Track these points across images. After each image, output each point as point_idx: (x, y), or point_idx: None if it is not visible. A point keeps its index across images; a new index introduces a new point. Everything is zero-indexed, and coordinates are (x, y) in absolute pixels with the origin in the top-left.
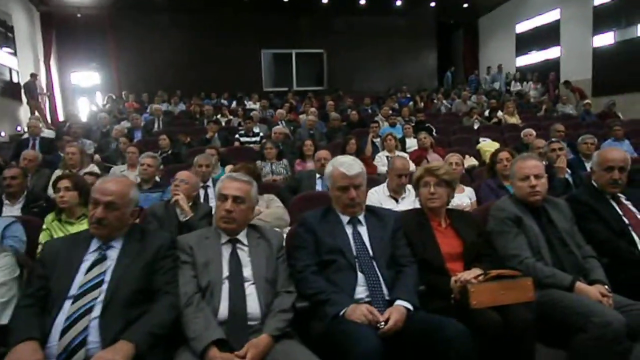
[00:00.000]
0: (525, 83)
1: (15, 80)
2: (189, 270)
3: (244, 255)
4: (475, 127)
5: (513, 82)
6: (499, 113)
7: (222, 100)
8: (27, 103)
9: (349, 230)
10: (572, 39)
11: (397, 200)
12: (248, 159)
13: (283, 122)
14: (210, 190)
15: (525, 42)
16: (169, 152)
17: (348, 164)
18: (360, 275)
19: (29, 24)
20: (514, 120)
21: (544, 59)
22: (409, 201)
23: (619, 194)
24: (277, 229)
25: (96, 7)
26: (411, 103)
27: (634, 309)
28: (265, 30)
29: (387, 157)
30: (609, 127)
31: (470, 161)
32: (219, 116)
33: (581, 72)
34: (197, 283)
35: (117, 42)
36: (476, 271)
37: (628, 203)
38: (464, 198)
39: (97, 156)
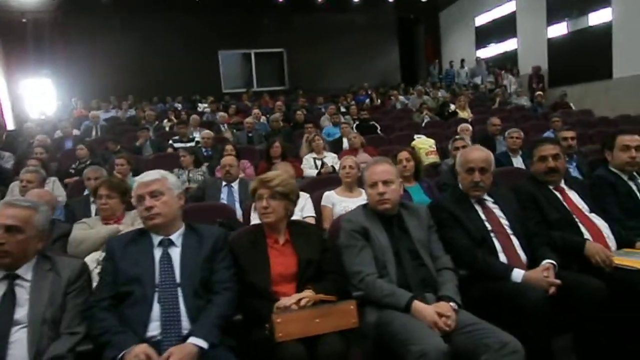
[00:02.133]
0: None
1: None
2: None
3: (22, 293)
4: (424, 123)
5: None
6: (451, 107)
7: (176, 104)
8: None
9: (157, 253)
10: (528, 30)
11: None
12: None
13: (225, 125)
14: None
15: (485, 35)
16: (87, 162)
17: (147, 174)
18: (156, 307)
19: None
20: (465, 114)
21: (502, 51)
22: (296, 209)
23: (486, 197)
24: None
25: (41, 11)
26: (368, 100)
27: (477, 329)
28: (222, 31)
29: (314, 159)
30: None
31: None
32: (165, 121)
33: (537, 63)
34: None
35: (66, 47)
36: (300, 295)
37: (495, 207)
38: (362, 202)
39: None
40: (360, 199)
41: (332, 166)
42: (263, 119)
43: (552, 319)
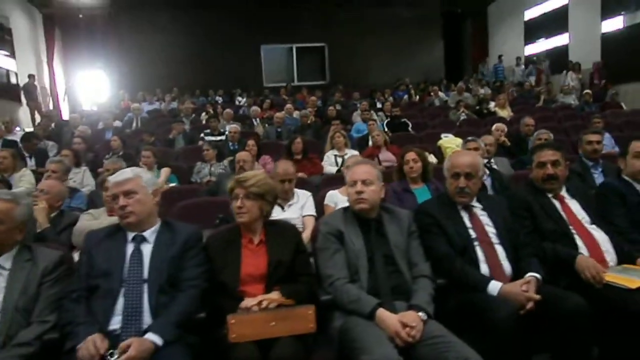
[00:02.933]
0: (565, 73)
1: (13, 81)
2: None
3: (0, 281)
4: (459, 121)
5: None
6: (491, 105)
7: (217, 98)
8: (27, 104)
9: (129, 249)
10: (581, 24)
11: (282, 207)
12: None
13: (258, 119)
14: None
15: (534, 30)
16: (120, 153)
17: (119, 173)
18: (121, 302)
19: (30, 25)
20: (505, 113)
21: (552, 47)
22: (296, 208)
23: (474, 204)
24: None
25: (96, 7)
26: (406, 96)
27: (441, 342)
28: (265, 25)
29: (336, 156)
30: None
31: (429, 159)
32: (203, 114)
33: (590, 60)
34: None
35: (118, 41)
36: (263, 297)
37: (483, 214)
38: None
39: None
40: None
41: None
42: (297, 114)
43: (529, 336)
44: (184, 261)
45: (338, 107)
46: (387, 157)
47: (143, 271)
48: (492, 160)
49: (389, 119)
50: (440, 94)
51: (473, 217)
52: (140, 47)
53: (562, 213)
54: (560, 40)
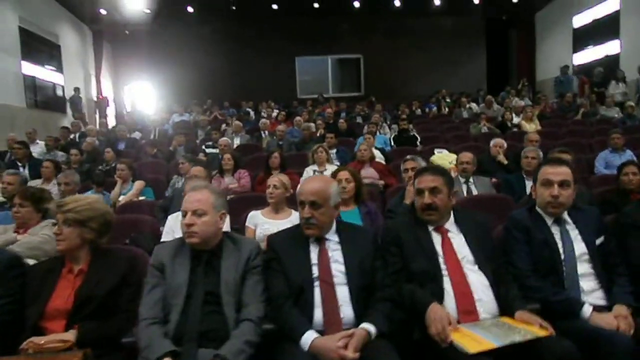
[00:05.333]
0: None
1: (59, 94)
2: None
3: None
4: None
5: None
6: (515, 119)
7: (247, 109)
8: (73, 115)
9: None
10: (634, 31)
11: None
12: None
13: (266, 132)
14: None
15: (583, 37)
16: (113, 165)
17: None
18: None
19: (79, 41)
20: (532, 127)
21: (603, 55)
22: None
23: (329, 237)
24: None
25: (140, 24)
26: (435, 108)
27: None
28: (300, 37)
29: (315, 171)
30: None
31: None
32: (223, 125)
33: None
34: None
35: (161, 54)
36: (34, 338)
37: (336, 249)
38: (287, 225)
39: None
40: (286, 221)
41: None
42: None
43: None
44: None
45: (359, 120)
46: (369, 173)
47: None
48: (471, 179)
49: (396, 133)
50: (474, 105)
51: (322, 252)
52: (180, 60)
53: (440, 250)
54: (611, 48)
